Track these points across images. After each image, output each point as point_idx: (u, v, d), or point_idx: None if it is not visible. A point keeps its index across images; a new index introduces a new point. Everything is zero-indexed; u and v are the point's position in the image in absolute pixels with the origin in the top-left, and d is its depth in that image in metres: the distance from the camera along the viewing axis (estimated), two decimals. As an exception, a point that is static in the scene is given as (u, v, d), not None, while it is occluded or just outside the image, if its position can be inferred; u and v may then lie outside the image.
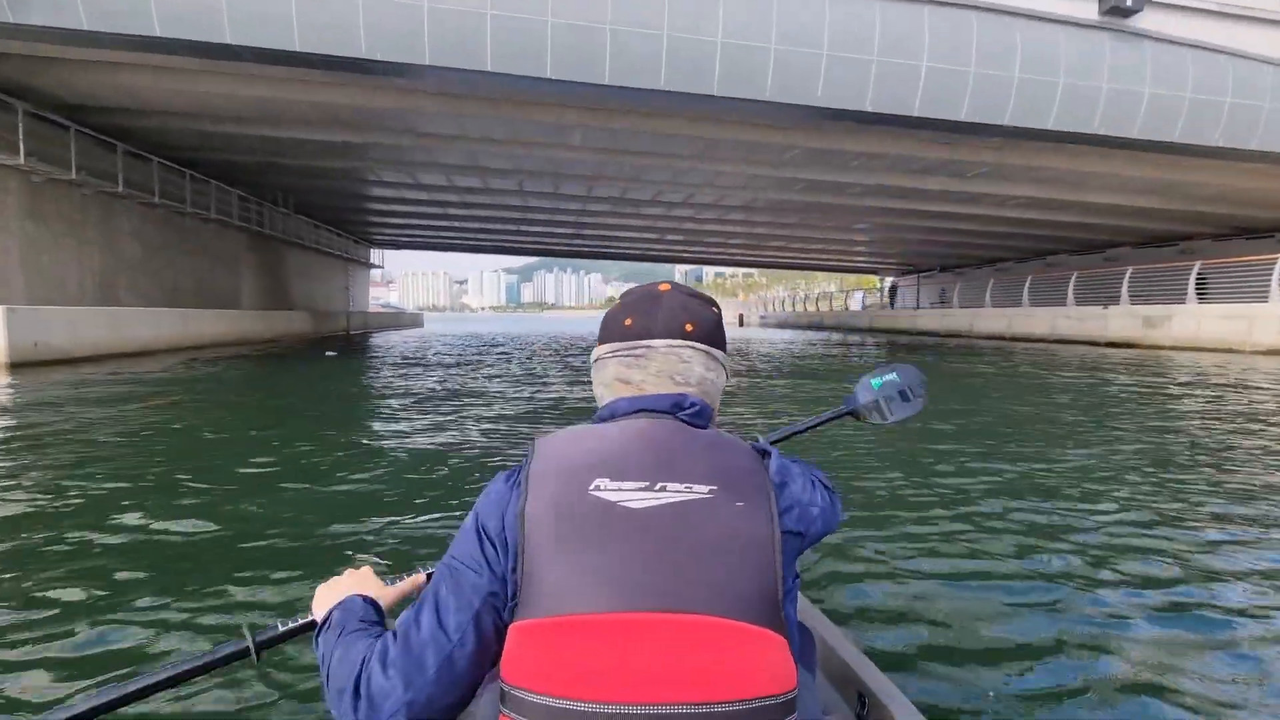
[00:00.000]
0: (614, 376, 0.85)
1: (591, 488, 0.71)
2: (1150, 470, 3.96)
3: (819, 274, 71.01)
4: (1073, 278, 20.23)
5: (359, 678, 0.71)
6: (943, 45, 10.00)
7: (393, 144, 14.32)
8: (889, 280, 46.17)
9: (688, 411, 0.81)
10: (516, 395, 7.51)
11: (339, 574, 0.92)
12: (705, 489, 0.72)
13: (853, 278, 60.93)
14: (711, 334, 0.87)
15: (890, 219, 22.36)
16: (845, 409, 1.48)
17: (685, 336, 0.84)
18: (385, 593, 0.91)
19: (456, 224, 28.06)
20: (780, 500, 0.75)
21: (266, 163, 16.88)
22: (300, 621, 0.92)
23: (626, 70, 9.42)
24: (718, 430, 0.82)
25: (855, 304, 47.19)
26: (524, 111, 11.89)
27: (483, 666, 0.72)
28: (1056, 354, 15.53)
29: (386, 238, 34.80)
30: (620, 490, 0.71)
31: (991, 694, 1.62)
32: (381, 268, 37.70)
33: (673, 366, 0.83)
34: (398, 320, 38.10)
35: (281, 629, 0.93)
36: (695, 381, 0.84)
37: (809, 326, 39.01)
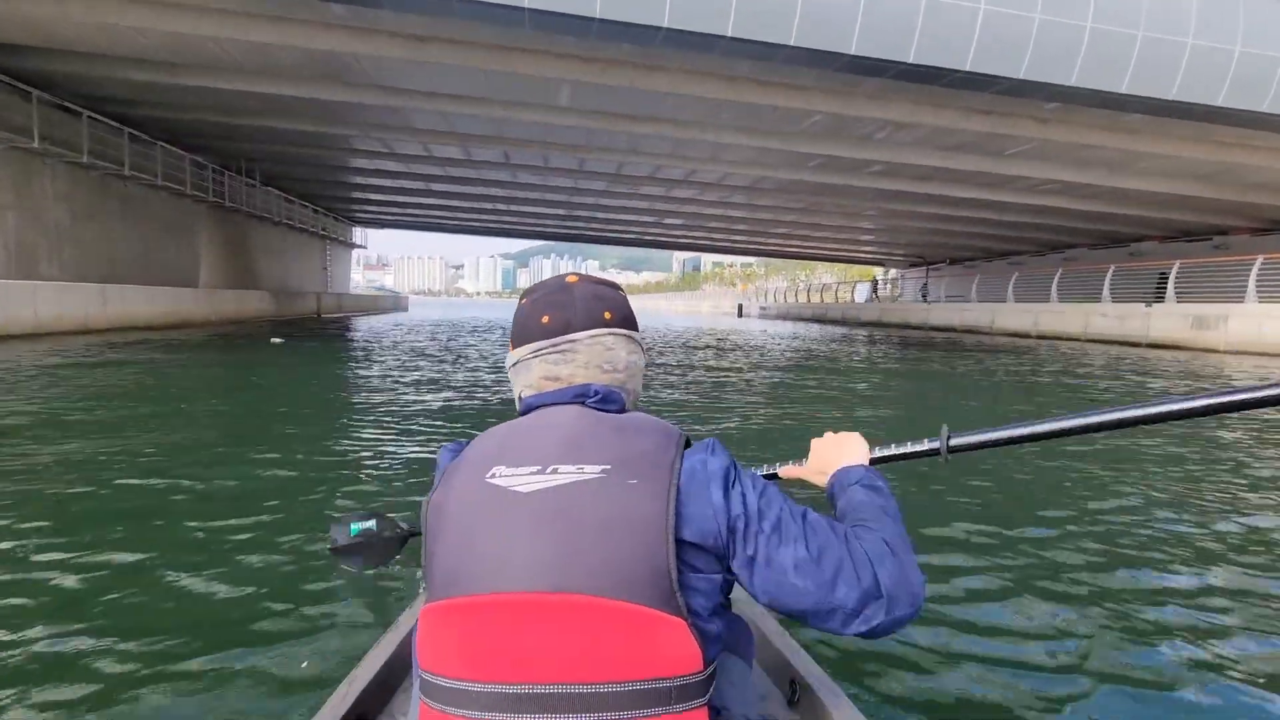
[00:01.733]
0: (540, 375, 0.84)
1: (488, 475, 0.73)
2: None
3: (819, 265, 69.43)
4: (1109, 272, 18.62)
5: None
6: (1004, -16, 8.28)
7: (356, 101, 12.53)
8: (893, 272, 44.56)
9: (593, 399, 0.80)
10: (460, 394, 5.87)
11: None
12: (597, 469, 0.71)
13: (855, 269, 59.34)
14: (627, 318, 0.87)
15: (908, 204, 20.67)
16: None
17: (605, 325, 0.84)
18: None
19: (442, 202, 26.23)
20: (685, 493, 0.71)
21: (215, 123, 15.06)
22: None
23: (623, 2, 7.68)
24: (638, 413, 0.81)
25: (860, 296, 45.59)
26: (502, 61, 10.13)
27: None
28: (1090, 354, 13.97)
29: (369, 215, 32.91)
30: (514, 475, 0.72)
31: (922, 684, 1.61)
32: (364, 248, 35.82)
33: (599, 356, 0.83)
34: (377, 304, 36.22)
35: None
36: (622, 367, 0.84)
37: (812, 319, 37.35)
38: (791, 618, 0.75)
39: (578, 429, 0.76)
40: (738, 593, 1.01)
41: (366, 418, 4.89)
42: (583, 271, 0.90)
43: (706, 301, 73.09)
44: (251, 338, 11.62)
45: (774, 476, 1.05)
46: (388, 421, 4.74)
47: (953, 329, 22.73)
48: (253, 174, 20.53)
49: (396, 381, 6.89)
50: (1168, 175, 15.22)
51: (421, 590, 0.78)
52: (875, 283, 45.50)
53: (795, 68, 9.32)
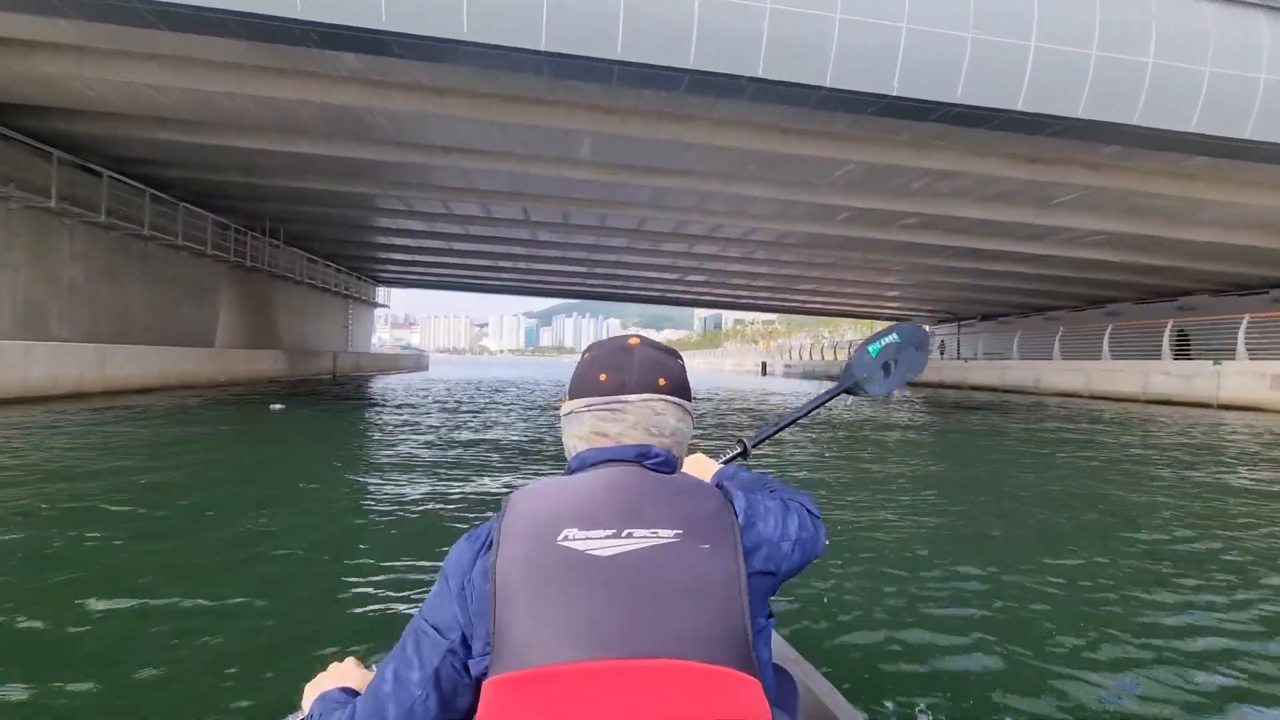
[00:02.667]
0: (590, 430, 0.86)
1: (560, 538, 0.72)
2: None
3: (843, 322, 68.48)
4: (1167, 327, 17.42)
5: None
6: (1056, 20, 7.69)
7: (375, 159, 12.32)
8: (927, 328, 43.33)
9: (653, 460, 0.83)
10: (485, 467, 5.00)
11: (324, 669, 0.93)
12: (671, 534, 0.73)
13: (881, 326, 58.23)
14: (681, 386, 0.89)
15: (942, 259, 19.89)
16: (842, 385, 1.42)
17: (658, 390, 0.87)
18: (367, 677, 0.90)
19: (464, 261, 26.18)
20: (746, 539, 0.76)
21: (240, 184, 15.05)
22: None
23: (645, 44, 7.22)
24: (684, 474, 0.85)
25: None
26: (521, 113, 9.78)
27: None
28: (1157, 418, 12.69)
29: (393, 275, 33.15)
30: (588, 539, 0.72)
31: None
32: (387, 307, 35.99)
33: (647, 419, 0.85)
34: (397, 363, 36.03)
35: None
36: (669, 433, 0.87)
37: (834, 378, 36.16)
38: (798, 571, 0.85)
39: (643, 491, 0.77)
40: (783, 649, 1.29)
41: (324, 530, 3.73)
42: (641, 334, 0.93)
43: (729, 359, 72.24)
44: (251, 404, 10.95)
45: None
46: (364, 544, 3.31)
47: (993, 388, 21.48)
48: (276, 234, 20.62)
49: (387, 481, 5.99)
50: (1226, 225, 14.26)
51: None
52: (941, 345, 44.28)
53: (829, 113, 8.76)
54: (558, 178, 13.19)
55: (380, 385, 20.47)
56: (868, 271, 23.79)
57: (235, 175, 14.49)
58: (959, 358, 32.36)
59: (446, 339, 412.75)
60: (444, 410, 11.86)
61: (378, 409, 11.63)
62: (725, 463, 1.19)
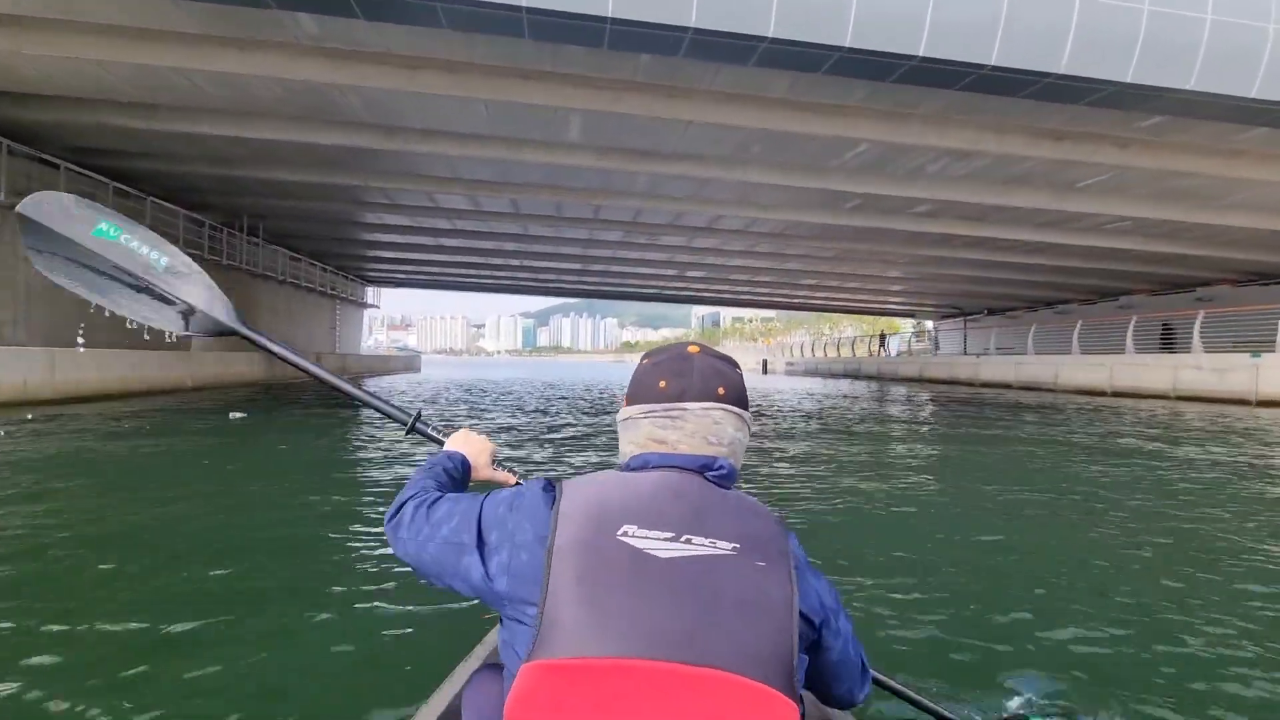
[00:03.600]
0: (648, 436, 0.86)
1: (619, 532, 0.73)
2: None
3: (842, 318, 67.63)
4: (1198, 319, 16.55)
5: (405, 502, 0.91)
6: (1104, -31, 6.80)
7: (349, 144, 11.41)
8: (929, 324, 42.56)
9: (715, 472, 0.83)
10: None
11: (480, 435, 1.17)
12: (729, 546, 0.73)
13: (882, 321, 57.43)
14: (740, 396, 0.88)
15: (952, 249, 19.01)
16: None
17: (718, 399, 0.86)
18: (484, 471, 1.13)
19: (454, 259, 25.25)
20: (799, 575, 0.76)
21: (209, 176, 14.13)
22: (439, 437, 1.23)
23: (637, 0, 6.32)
24: (741, 493, 0.84)
25: (892, 349, 43.54)
26: (503, 88, 8.87)
27: (446, 567, 0.84)
28: (1184, 415, 11.84)
29: (381, 274, 32.20)
30: (648, 538, 0.72)
31: None
32: (377, 307, 35.03)
33: (706, 428, 0.85)
34: (388, 364, 35.06)
35: (430, 432, 1.24)
36: (727, 442, 0.86)
37: (844, 375, 35.31)
38: (830, 694, 0.88)
39: (704, 501, 0.77)
40: None
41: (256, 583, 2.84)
42: (702, 343, 0.92)
43: (728, 357, 71.23)
44: (210, 413, 9.93)
45: None
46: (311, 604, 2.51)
47: (1008, 385, 20.60)
48: (256, 231, 19.67)
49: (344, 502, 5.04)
50: (1260, 209, 13.40)
51: (478, 645, 0.97)
52: (910, 336, 43.58)
53: (845, 82, 7.86)
54: (548, 165, 12.28)
55: (366, 388, 19.55)
56: (873, 264, 22.91)
57: (203, 166, 13.57)
58: (965, 353, 31.50)
59: (444, 340, 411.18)
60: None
61: (347, 415, 10.73)
62: None
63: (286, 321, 23.62)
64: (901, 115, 9.61)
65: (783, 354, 54.54)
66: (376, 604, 2.39)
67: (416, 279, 33.85)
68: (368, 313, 35.61)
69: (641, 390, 0.87)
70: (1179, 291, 22.40)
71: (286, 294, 23.54)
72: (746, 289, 32.00)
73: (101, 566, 2.92)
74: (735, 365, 0.90)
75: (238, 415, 9.09)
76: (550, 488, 0.80)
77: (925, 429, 10.21)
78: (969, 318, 34.78)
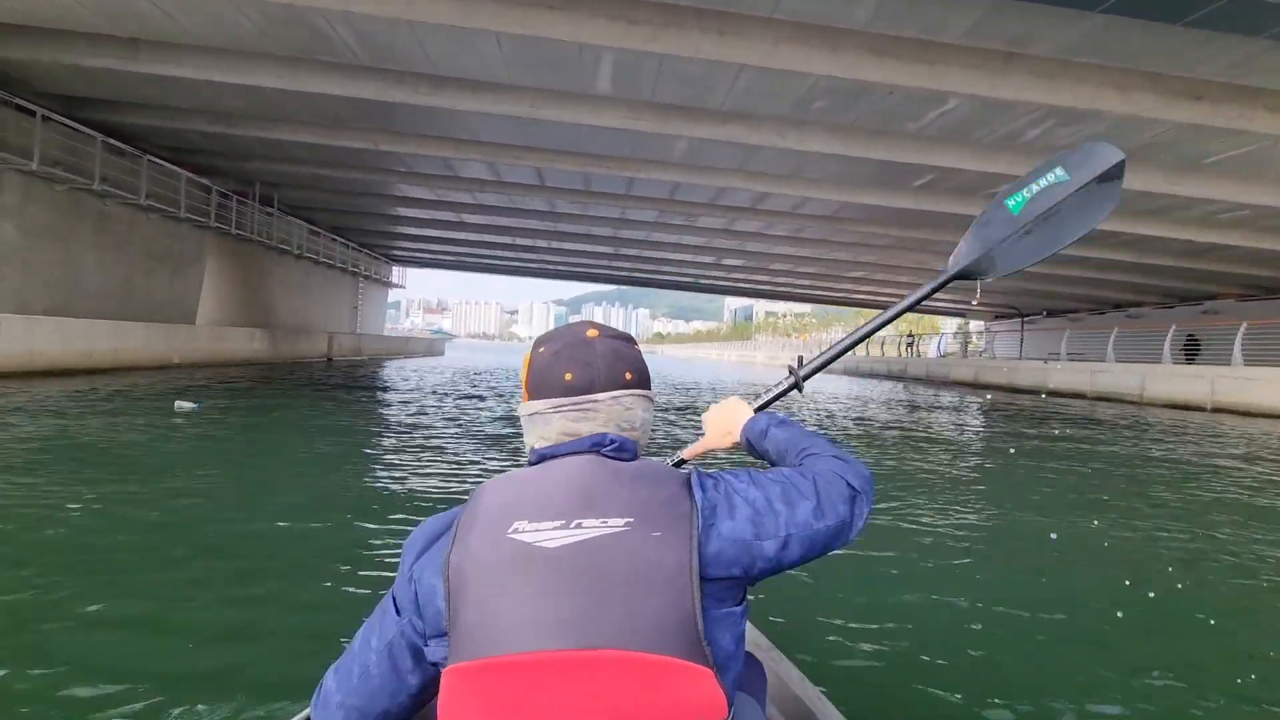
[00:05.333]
0: (559, 431, 0.83)
1: (510, 530, 0.72)
2: None
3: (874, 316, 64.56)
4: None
5: (325, 676, 0.82)
6: None
7: (351, 96, 10.04)
8: (976, 324, 39.90)
9: (610, 447, 0.81)
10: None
11: None
12: (621, 522, 0.72)
13: (925, 320, 54.59)
14: (644, 377, 0.87)
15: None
16: (956, 268, 1.12)
17: (626, 385, 0.84)
18: None
19: (478, 237, 23.97)
20: (705, 538, 0.73)
21: (209, 135, 12.99)
22: None
23: None
24: (645, 460, 0.83)
25: (933, 350, 41.00)
26: (516, 20, 7.35)
27: (396, 693, 0.78)
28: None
29: (406, 253, 31.18)
30: (537, 530, 0.72)
31: None
32: (403, 287, 34.09)
33: (618, 415, 0.83)
34: (407, 347, 34.09)
35: None
36: (639, 425, 0.85)
37: (887, 376, 33.12)
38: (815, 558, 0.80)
39: (595, 479, 0.76)
40: (754, 636, 1.28)
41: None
42: (596, 323, 0.88)
43: (761, 352, 69.11)
44: (161, 400, 8.29)
45: (681, 462, 1.08)
46: None
47: (1080, 395, 18.40)
48: (270, 200, 18.65)
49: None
50: None
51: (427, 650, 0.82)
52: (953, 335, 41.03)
53: (944, 7, 6.10)
54: (574, 125, 10.73)
55: (374, 371, 18.43)
56: (926, 255, 20.83)
57: (201, 122, 12.41)
58: (1022, 357, 29.06)
59: (478, 325, 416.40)
60: (408, 403, 9.62)
61: (328, 404, 9.46)
62: (764, 405, 1.12)
63: (301, 298, 22.68)
64: (1005, 61, 7.78)
65: (818, 351, 52.10)
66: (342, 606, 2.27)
67: (443, 260, 32.78)
68: (404, 296, 34.82)
69: (546, 383, 0.83)
70: (1272, 297, 19.82)
71: (304, 269, 22.59)
72: (786, 280, 30.04)
73: None
74: (633, 342, 0.88)
75: (186, 406, 7.53)
76: (439, 519, 0.80)
77: (1041, 461, 8.41)
78: (1026, 319, 32.20)
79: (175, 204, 14.48)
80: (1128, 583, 3.05)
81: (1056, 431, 10.22)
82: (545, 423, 0.83)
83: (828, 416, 11.57)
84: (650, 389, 0.88)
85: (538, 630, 0.68)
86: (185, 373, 12.70)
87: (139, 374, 11.73)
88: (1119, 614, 2.63)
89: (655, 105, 9.90)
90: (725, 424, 1.07)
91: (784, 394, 1.14)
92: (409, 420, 7.98)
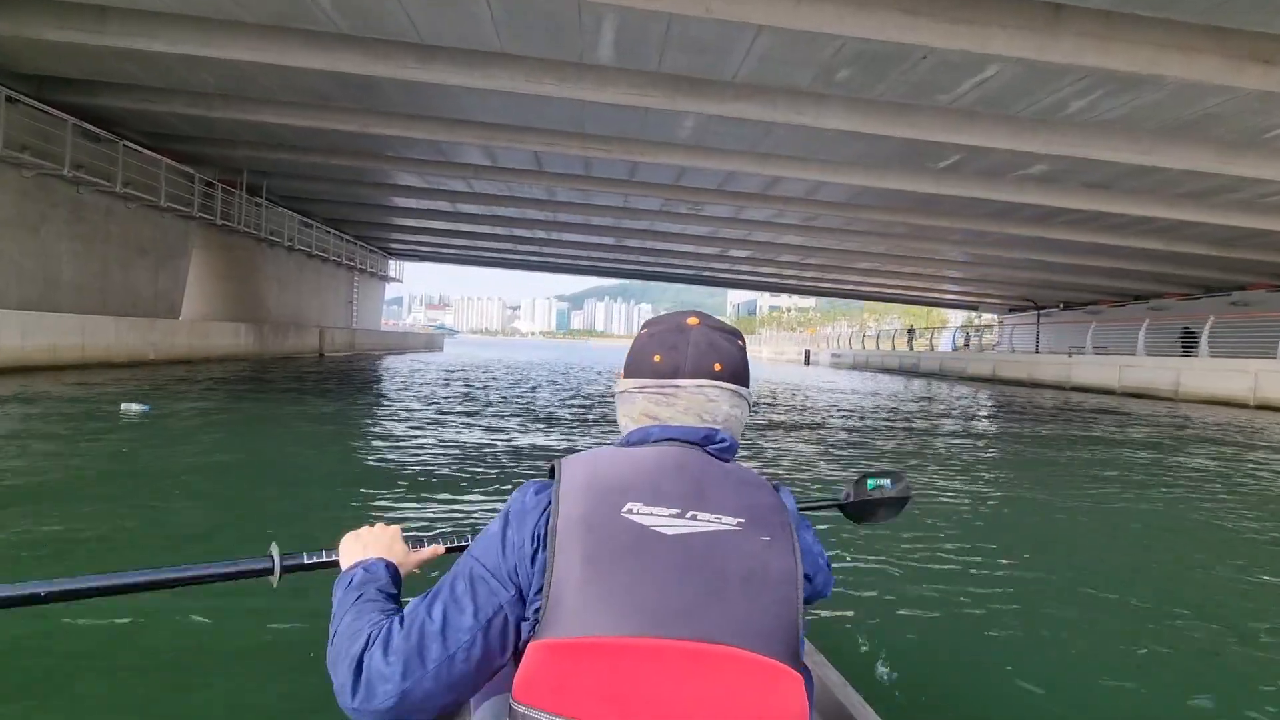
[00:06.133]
0: (641, 411, 0.84)
1: (624, 510, 0.71)
2: None
3: (890, 309, 63.83)
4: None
5: (362, 655, 0.70)
6: None
7: (328, 70, 9.28)
8: (991, 317, 39.02)
9: (717, 445, 0.81)
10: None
11: (370, 524, 0.94)
12: (734, 521, 0.72)
13: (936, 314, 53.66)
14: (738, 372, 0.85)
15: (1045, 229, 16.10)
16: (833, 500, 1.33)
17: (713, 376, 0.83)
18: (407, 560, 0.92)
19: (475, 228, 23.20)
20: (799, 542, 0.76)
21: (189, 118, 12.26)
22: (325, 559, 0.94)
23: None
24: (740, 465, 0.83)
25: (944, 344, 40.16)
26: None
27: (482, 674, 0.72)
28: None
29: (404, 246, 30.44)
30: (653, 514, 0.71)
31: None
32: (400, 281, 33.36)
33: (700, 405, 0.82)
34: (404, 342, 33.37)
35: (307, 560, 0.94)
36: (722, 419, 0.83)
37: (899, 370, 32.28)
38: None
39: (707, 476, 0.76)
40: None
41: None
42: (702, 313, 0.87)
43: (766, 347, 68.22)
44: (109, 401, 7.36)
45: None
46: None
47: (1108, 390, 17.55)
48: (259, 190, 17.89)
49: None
50: None
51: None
52: (967, 330, 40.16)
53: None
54: (573, 101, 9.95)
55: (365, 368, 17.70)
56: (939, 245, 19.97)
57: (180, 104, 11.66)
58: (1039, 350, 28.19)
59: (480, 320, 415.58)
60: (390, 406, 8.87)
61: (301, 405, 8.73)
62: (804, 508, 1.15)
63: (294, 292, 21.95)
64: (1053, 18, 6.95)
65: (828, 345, 51.23)
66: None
67: (441, 253, 32.05)
68: (406, 292, 34.14)
69: (638, 363, 0.84)
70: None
71: (297, 262, 21.86)
72: (794, 272, 29.23)
73: None
74: (738, 337, 0.86)
75: (133, 409, 6.64)
76: (545, 485, 0.77)
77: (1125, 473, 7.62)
78: (1043, 312, 31.30)
79: (156, 193, 13.74)
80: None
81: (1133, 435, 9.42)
82: (630, 402, 0.84)
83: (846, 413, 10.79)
84: (744, 386, 0.86)
85: (649, 616, 0.67)
86: (160, 370, 11.94)
87: (110, 371, 10.99)
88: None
89: (662, 77, 9.08)
90: None
91: (825, 508, 1.19)
92: (386, 432, 7.24)
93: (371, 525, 0.93)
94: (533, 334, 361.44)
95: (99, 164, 12.30)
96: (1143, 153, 10.22)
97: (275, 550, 0.93)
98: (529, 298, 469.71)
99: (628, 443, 0.82)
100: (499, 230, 23.37)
